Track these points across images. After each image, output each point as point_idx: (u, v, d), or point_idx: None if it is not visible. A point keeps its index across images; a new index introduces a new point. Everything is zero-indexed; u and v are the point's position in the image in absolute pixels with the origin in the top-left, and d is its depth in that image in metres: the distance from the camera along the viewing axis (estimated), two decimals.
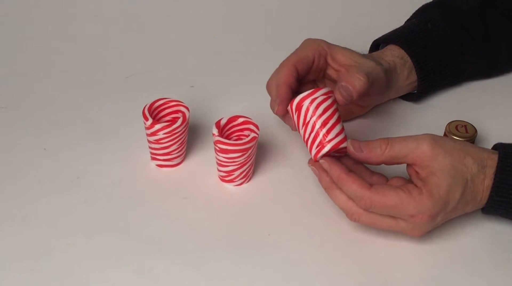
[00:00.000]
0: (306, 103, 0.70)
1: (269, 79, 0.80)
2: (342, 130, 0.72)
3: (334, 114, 0.71)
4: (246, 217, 0.76)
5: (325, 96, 0.70)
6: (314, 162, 0.72)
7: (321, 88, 0.71)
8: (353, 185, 0.67)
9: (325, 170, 0.70)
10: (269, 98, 0.80)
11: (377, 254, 0.72)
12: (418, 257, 0.72)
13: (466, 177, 0.68)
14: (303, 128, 0.71)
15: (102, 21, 1.08)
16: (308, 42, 0.81)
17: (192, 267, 0.70)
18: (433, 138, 0.69)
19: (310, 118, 0.70)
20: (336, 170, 0.69)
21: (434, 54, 0.89)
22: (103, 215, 0.75)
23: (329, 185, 0.70)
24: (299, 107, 0.70)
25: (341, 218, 0.75)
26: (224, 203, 0.77)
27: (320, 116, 0.70)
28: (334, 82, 0.82)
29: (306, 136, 0.72)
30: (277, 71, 0.79)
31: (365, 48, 0.92)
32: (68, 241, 0.72)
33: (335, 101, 0.72)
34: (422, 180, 0.68)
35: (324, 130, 0.70)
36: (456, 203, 0.68)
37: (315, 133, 0.71)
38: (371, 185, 0.68)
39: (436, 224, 0.70)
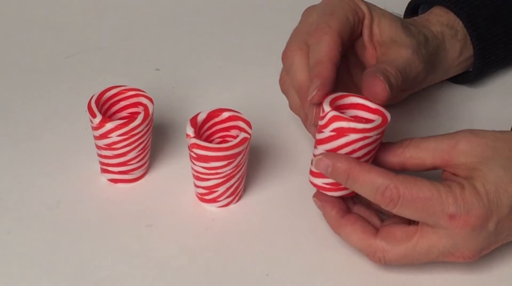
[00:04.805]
0: (353, 136, 0.63)
1: (287, 51, 0.69)
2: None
3: (370, 154, 0.66)
4: (234, 250, 0.69)
5: (378, 136, 0.64)
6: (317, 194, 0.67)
7: (374, 121, 0.64)
8: (370, 175, 0.61)
9: (330, 201, 0.65)
10: (269, 84, 0.75)
11: None
12: None
13: None
14: (327, 146, 0.65)
15: None
16: None
17: None
18: (470, 130, 0.65)
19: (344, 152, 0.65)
20: (342, 162, 0.62)
21: (496, 15, 0.80)
22: (36, 251, 0.68)
23: (337, 222, 0.65)
24: (341, 132, 0.63)
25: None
26: (204, 231, 0.71)
27: (355, 157, 0.65)
28: (360, 66, 0.74)
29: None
30: (317, 42, 0.67)
31: None
32: None
33: (381, 138, 0.66)
34: (464, 178, 0.63)
35: None
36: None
37: None
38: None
39: (489, 237, 0.63)
